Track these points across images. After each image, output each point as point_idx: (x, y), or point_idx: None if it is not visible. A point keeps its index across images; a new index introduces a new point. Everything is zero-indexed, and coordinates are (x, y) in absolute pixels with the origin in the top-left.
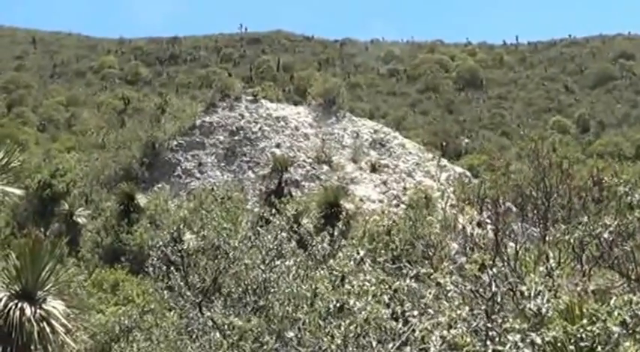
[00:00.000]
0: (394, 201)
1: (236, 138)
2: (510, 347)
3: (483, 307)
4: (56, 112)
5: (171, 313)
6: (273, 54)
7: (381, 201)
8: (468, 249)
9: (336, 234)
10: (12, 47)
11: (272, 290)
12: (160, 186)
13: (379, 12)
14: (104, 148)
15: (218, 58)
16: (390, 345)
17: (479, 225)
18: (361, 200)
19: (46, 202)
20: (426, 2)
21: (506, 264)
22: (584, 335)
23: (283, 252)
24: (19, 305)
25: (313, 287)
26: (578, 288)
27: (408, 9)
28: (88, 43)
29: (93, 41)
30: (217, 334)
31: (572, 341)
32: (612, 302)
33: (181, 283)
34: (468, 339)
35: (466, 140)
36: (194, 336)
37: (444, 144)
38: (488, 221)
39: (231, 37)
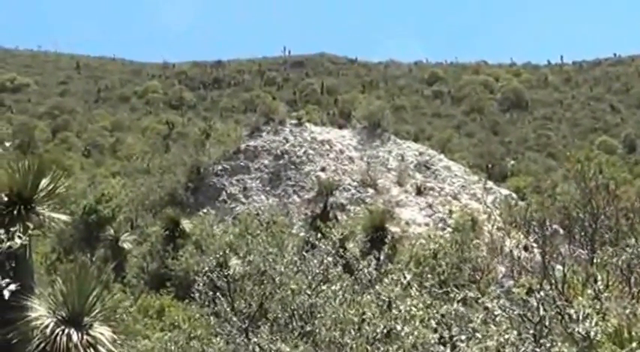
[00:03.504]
0: (440, 224)
1: (281, 162)
2: None
3: (531, 331)
4: (101, 137)
5: (218, 339)
6: (317, 77)
7: (426, 225)
8: (515, 272)
9: (382, 258)
10: (56, 73)
11: (318, 315)
12: (205, 210)
13: (423, 34)
14: (149, 173)
15: (262, 82)
16: None
17: (525, 248)
18: (407, 223)
19: (91, 228)
20: (470, 23)
21: (553, 287)
22: None
23: (329, 276)
24: (66, 331)
25: (360, 312)
26: (627, 311)
27: (452, 30)
28: (132, 67)
29: (137, 66)
30: None
31: None
32: None
33: (227, 308)
34: None
35: (512, 162)
36: None
37: (490, 166)
38: (535, 244)
39: (275, 61)
